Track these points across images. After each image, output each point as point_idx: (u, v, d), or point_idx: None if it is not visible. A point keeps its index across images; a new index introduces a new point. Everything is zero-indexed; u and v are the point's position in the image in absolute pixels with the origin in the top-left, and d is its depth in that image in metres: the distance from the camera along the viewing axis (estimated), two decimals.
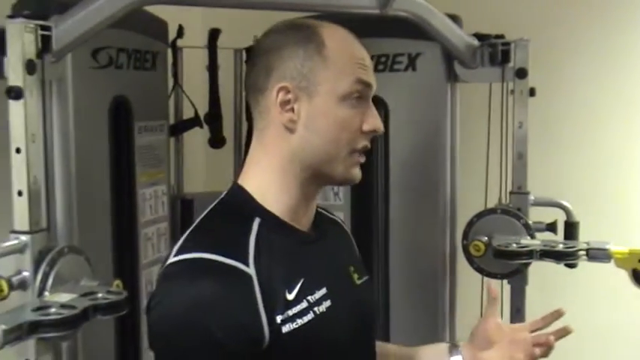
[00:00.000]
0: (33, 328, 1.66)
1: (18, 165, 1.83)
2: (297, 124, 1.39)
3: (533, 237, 2.44)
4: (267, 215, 1.41)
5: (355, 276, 1.56)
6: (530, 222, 2.46)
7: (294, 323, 1.33)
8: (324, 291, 1.40)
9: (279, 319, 1.31)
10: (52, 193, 2.01)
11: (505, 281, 2.54)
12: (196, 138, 2.86)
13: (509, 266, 2.45)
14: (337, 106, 1.39)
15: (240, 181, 1.46)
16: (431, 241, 2.61)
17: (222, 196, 1.48)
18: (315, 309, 1.37)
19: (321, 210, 1.62)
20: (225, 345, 1.27)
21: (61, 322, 1.69)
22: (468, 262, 2.51)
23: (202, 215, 1.45)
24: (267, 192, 1.42)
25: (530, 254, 2.33)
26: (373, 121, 1.43)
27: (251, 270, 1.31)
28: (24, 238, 1.83)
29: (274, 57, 1.41)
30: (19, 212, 1.84)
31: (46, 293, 1.82)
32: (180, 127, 2.78)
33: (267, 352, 1.30)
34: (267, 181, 1.43)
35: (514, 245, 2.35)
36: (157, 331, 1.32)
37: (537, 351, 1.62)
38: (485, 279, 2.50)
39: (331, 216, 1.68)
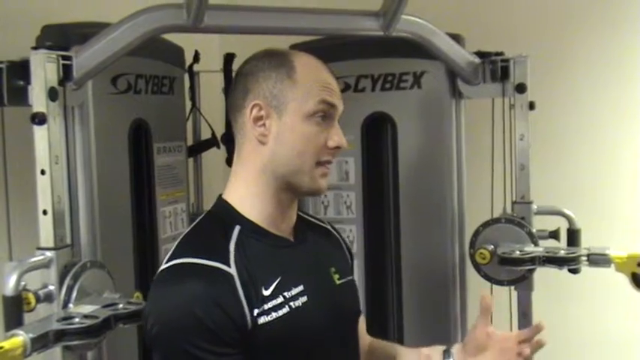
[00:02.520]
0: (58, 336, 1.76)
1: (43, 186, 1.92)
2: (268, 137, 1.55)
3: (536, 244, 2.51)
4: (246, 223, 1.57)
5: (336, 276, 1.70)
6: (533, 230, 2.54)
7: (269, 316, 1.48)
8: (300, 288, 1.55)
9: (255, 312, 1.47)
10: (76, 212, 2.10)
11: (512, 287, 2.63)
12: (215, 158, 2.95)
13: (514, 273, 2.53)
14: (303, 123, 1.54)
15: (224, 195, 1.63)
16: (441, 251, 2.69)
17: (208, 209, 1.65)
18: (291, 304, 1.52)
19: (308, 217, 1.79)
20: (217, 334, 1.42)
21: (84, 331, 1.78)
22: (476, 269, 2.59)
23: (191, 226, 1.63)
24: (246, 202, 1.59)
25: (533, 261, 2.41)
26: (337, 139, 1.58)
27: (232, 270, 1.48)
28: (49, 253, 1.92)
29: (251, 80, 1.58)
30: (44, 230, 1.93)
31: (71, 305, 1.92)
32: (198, 148, 2.88)
33: (250, 341, 1.46)
34: (245, 191, 1.60)
35: (518, 252, 2.43)
36: (156, 332, 1.46)
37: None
38: (488, 287, 2.58)
39: (319, 223, 1.84)
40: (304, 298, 1.56)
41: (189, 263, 1.49)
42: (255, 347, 1.48)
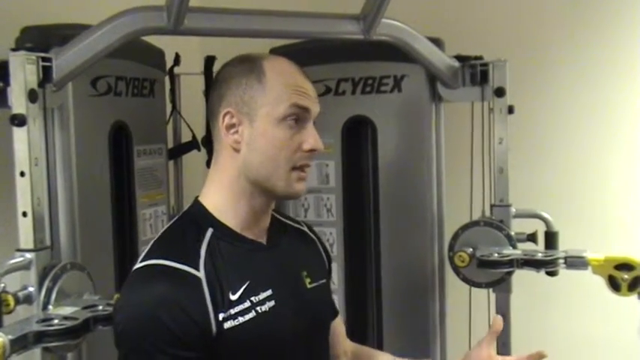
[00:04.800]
0: (37, 338, 1.76)
1: (22, 187, 1.91)
2: (242, 144, 1.56)
3: (515, 247, 2.53)
4: (219, 226, 1.58)
5: (307, 280, 1.71)
6: (512, 233, 2.56)
7: (236, 320, 1.50)
8: (269, 292, 1.57)
9: (221, 316, 1.48)
10: (56, 214, 2.09)
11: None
12: (195, 160, 2.95)
13: (493, 275, 2.54)
14: (275, 128, 1.55)
15: (200, 197, 1.64)
16: (420, 253, 2.70)
17: (184, 210, 1.66)
18: (258, 308, 1.53)
19: (284, 219, 1.80)
20: (180, 337, 1.43)
21: (64, 332, 1.79)
22: (455, 272, 2.60)
23: (165, 227, 1.64)
24: (221, 206, 1.60)
25: (512, 263, 2.43)
26: (312, 141, 1.58)
27: (201, 274, 1.49)
28: (29, 255, 1.92)
29: (224, 87, 1.59)
30: (23, 231, 1.93)
31: (50, 307, 1.92)
32: (178, 151, 2.88)
33: (215, 345, 1.47)
34: (221, 196, 1.60)
35: (496, 255, 2.45)
36: (121, 329, 1.49)
37: None
38: (467, 290, 2.60)
39: (295, 225, 1.85)
40: (272, 303, 1.57)
41: (158, 265, 1.51)
42: (221, 352, 1.49)
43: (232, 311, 1.50)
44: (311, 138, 1.58)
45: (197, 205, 1.64)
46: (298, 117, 1.57)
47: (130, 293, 1.52)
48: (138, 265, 1.54)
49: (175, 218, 1.66)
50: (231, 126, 1.58)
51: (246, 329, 1.51)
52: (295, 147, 1.57)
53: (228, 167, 1.60)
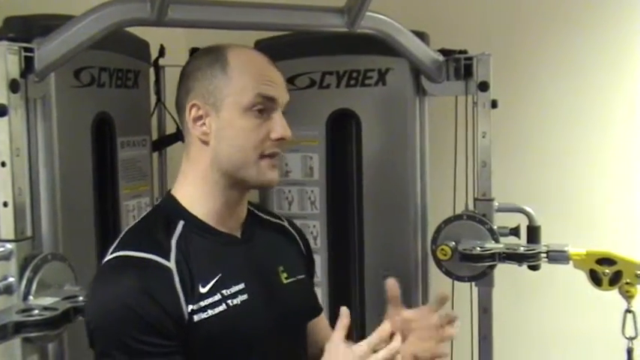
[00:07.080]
0: (17, 328, 1.76)
1: (3, 178, 1.90)
2: (210, 136, 1.56)
3: (497, 241, 2.54)
4: (191, 219, 1.58)
5: (283, 275, 1.71)
6: (494, 227, 2.56)
7: (205, 313, 1.50)
8: (241, 286, 1.57)
9: (190, 308, 1.48)
10: (37, 204, 2.09)
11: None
12: (180, 152, 2.94)
13: (475, 269, 2.55)
14: (241, 117, 1.55)
15: (172, 191, 1.64)
16: (404, 247, 2.70)
17: (156, 204, 1.67)
18: (229, 301, 1.53)
19: (261, 214, 1.79)
20: (153, 325, 1.43)
21: (43, 323, 1.78)
22: (437, 266, 2.61)
23: (137, 220, 1.65)
24: (195, 199, 1.60)
25: (494, 257, 2.44)
26: (279, 129, 1.58)
27: (171, 264, 1.49)
28: (9, 246, 1.90)
29: (191, 79, 1.59)
30: (4, 222, 1.91)
31: (31, 297, 1.91)
32: (163, 142, 2.88)
33: (187, 337, 1.47)
34: (193, 189, 1.60)
35: (478, 249, 2.46)
36: (94, 325, 1.48)
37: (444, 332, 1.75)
38: (450, 283, 2.61)
39: (273, 219, 1.84)
40: (244, 297, 1.57)
41: (127, 256, 1.50)
42: (191, 344, 1.49)
43: (202, 304, 1.50)
44: (278, 126, 1.58)
45: (169, 198, 1.64)
46: (264, 106, 1.57)
47: (99, 287, 1.52)
48: (107, 258, 1.54)
49: (146, 212, 1.68)
50: (198, 118, 1.57)
51: (216, 322, 1.51)
52: (263, 136, 1.57)
53: (199, 160, 1.59)
